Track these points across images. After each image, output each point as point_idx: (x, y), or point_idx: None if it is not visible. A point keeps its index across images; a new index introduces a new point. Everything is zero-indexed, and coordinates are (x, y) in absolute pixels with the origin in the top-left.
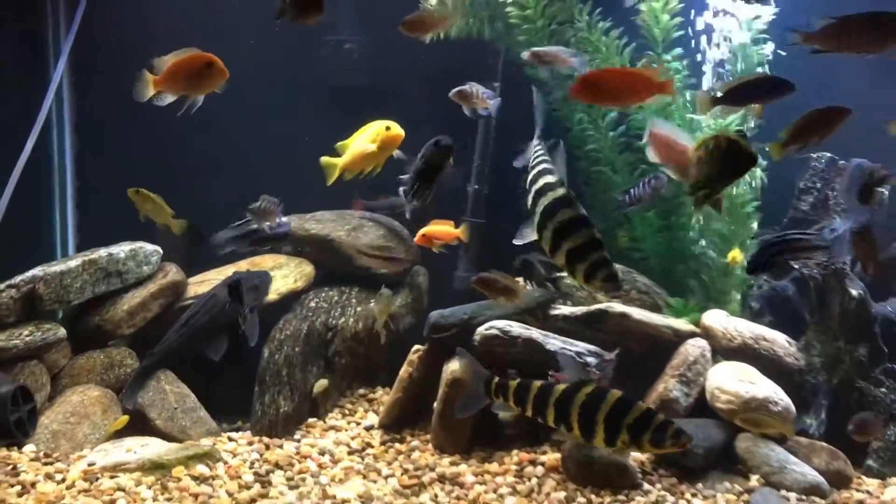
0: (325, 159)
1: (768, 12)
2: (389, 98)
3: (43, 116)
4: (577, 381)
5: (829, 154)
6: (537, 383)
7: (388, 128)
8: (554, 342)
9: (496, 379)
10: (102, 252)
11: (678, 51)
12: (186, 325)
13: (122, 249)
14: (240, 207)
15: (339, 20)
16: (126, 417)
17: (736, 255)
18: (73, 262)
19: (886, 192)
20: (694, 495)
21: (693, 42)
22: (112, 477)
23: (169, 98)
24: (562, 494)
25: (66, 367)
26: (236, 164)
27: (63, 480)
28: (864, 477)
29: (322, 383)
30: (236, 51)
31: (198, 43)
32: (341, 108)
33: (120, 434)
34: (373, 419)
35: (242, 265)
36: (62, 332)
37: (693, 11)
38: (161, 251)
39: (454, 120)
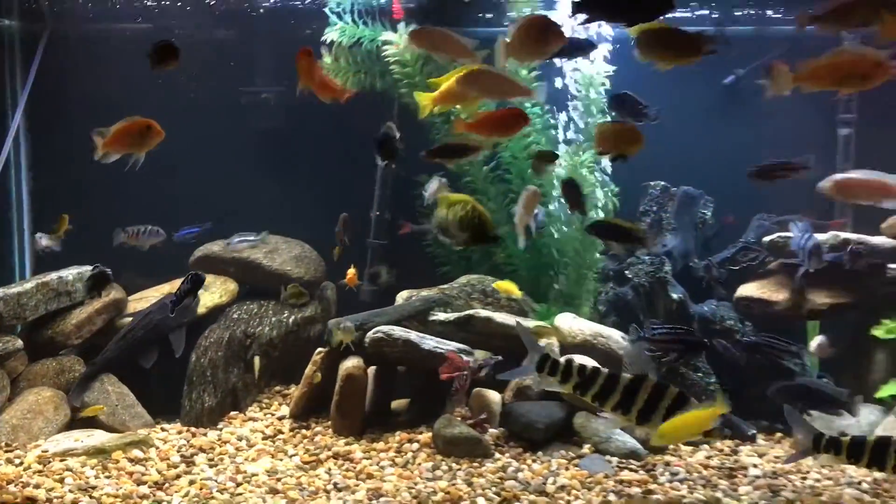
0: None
1: (605, 71)
2: (300, 138)
3: (3, 158)
4: (639, 374)
5: (662, 182)
6: (603, 371)
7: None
8: (428, 342)
9: (551, 359)
10: (53, 275)
11: (537, 83)
12: (124, 338)
13: (70, 273)
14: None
15: (258, 73)
16: (101, 406)
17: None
18: (29, 284)
19: (709, 213)
20: (534, 461)
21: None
22: (62, 460)
23: (115, 156)
24: (430, 464)
25: (24, 372)
26: (172, 196)
27: (21, 464)
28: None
29: (257, 362)
30: (176, 98)
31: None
32: (261, 149)
33: (70, 427)
34: (285, 411)
35: (177, 284)
36: (20, 343)
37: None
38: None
39: (357, 156)
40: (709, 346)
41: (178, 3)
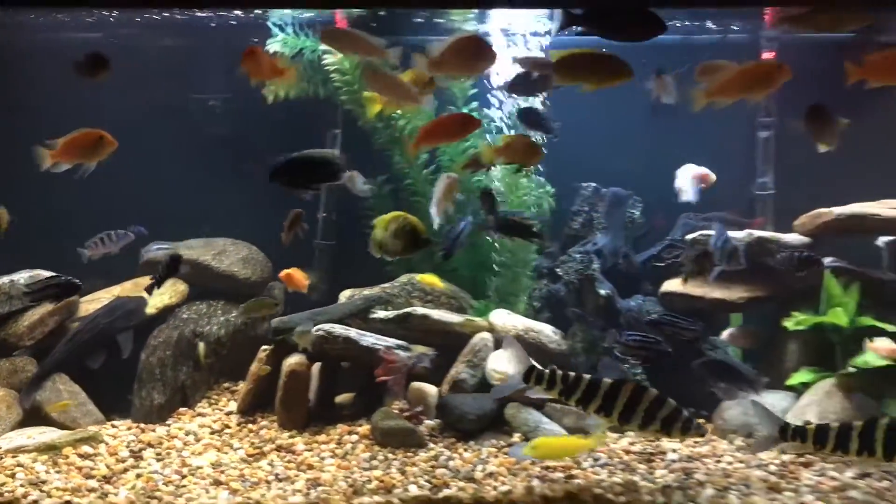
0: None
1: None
2: (247, 144)
3: None
4: (620, 379)
5: (594, 184)
6: (585, 378)
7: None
8: (367, 339)
9: (536, 369)
10: (5, 279)
11: (475, 104)
12: (71, 340)
13: (22, 276)
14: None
15: (205, 83)
16: (68, 402)
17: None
18: None
19: (637, 213)
20: (466, 450)
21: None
22: (13, 457)
23: (65, 166)
24: (367, 454)
25: None
26: (122, 201)
27: None
28: (607, 432)
29: (202, 347)
30: (123, 106)
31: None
32: (209, 155)
33: (23, 425)
34: (233, 406)
35: (127, 285)
36: None
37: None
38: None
39: None
40: (671, 354)
41: (129, 16)
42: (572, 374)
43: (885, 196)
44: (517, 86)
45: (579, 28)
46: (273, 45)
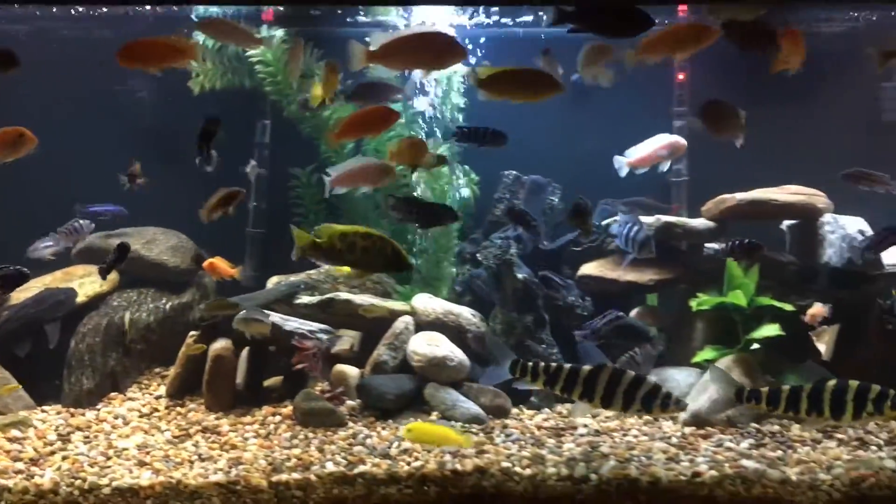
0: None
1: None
2: (177, 135)
3: None
4: (599, 364)
5: (515, 171)
6: (566, 367)
7: None
8: (291, 323)
9: (521, 362)
10: None
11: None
12: (13, 322)
13: None
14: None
15: (133, 75)
16: (15, 385)
17: None
18: None
19: (556, 199)
20: (384, 428)
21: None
22: None
23: None
24: (289, 434)
25: None
26: (56, 191)
27: None
28: (524, 409)
29: (128, 315)
30: (51, 98)
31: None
32: (139, 145)
33: None
34: (163, 390)
35: (58, 275)
36: None
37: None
38: None
39: (234, 153)
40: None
41: (56, 10)
42: (553, 364)
43: (795, 180)
44: None
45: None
46: (197, 37)
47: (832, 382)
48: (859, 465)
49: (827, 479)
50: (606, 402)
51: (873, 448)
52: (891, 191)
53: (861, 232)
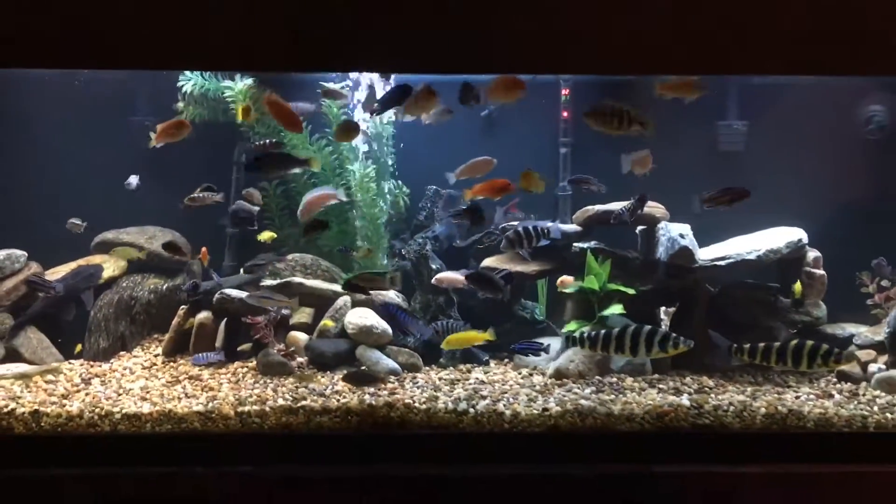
0: None
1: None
2: (175, 155)
3: None
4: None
5: (435, 186)
6: (602, 332)
7: None
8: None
9: (572, 336)
10: None
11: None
12: (47, 297)
13: (0, 253)
14: None
15: (142, 106)
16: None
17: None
18: None
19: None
20: (323, 377)
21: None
22: None
23: None
24: (252, 380)
25: None
26: (80, 198)
27: None
28: (434, 367)
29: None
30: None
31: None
32: (145, 165)
33: (3, 362)
34: (159, 350)
35: (81, 262)
36: None
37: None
38: (26, 254)
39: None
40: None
41: None
42: (599, 332)
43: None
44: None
45: None
46: (185, 84)
47: (631, 328)
48: (664, 403)
49: (640, 413)
50: (634, 352)
51: (685, 396)
52: (598, 191)
53: (682, 235)
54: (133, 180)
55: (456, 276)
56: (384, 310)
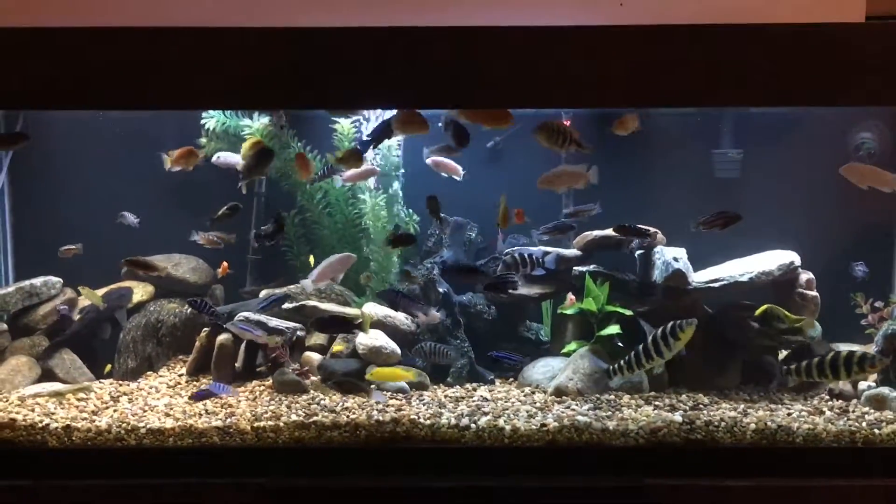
0: None
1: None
2: (195, 185)
3: None
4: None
5: (443, 214)
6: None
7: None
8: (273, 321)
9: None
10: (27, 283)
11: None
12: (83, 318)
13: (38, 280)
14: None
15: (166, 146)
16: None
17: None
18: (10, 289)
19: (473, 235)
20: (334, 394)
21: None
22: (33, 399)
23: None
24: (268, 398)
25: (8, 346)
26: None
27: (7, 401)
28: (441, 385)
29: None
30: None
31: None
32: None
33: (39, 381)
34: (183, 370)
35: (112, 287)
36: (5, 326)
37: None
38: (62, 280)
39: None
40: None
41: None
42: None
43: (646, 221)
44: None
45: None
46: (208, 122)
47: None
48: (657, 419)
49: (634, 429)
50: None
51: (679, 413)
52: (594, 213)
53: (675, 258)
54: (130, 217)
55: (451, 163)
56: (386, 295)
